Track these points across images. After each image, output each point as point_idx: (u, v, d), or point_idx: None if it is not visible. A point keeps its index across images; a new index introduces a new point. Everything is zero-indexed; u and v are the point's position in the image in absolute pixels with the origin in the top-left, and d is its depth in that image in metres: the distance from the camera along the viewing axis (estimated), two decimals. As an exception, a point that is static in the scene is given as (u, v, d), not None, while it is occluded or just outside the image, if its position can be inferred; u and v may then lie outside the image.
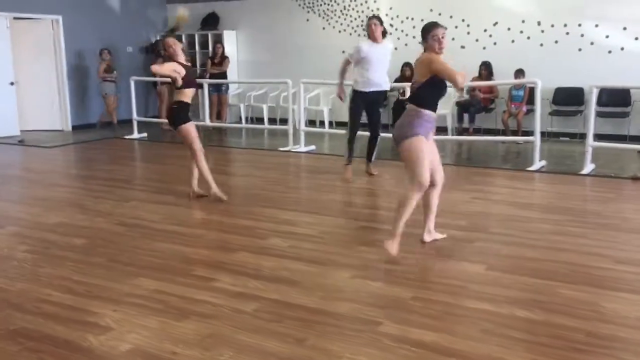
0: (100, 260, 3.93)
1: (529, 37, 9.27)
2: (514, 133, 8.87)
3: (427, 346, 2.72)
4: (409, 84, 8.26)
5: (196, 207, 5.31)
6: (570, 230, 4.42)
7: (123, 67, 11.15)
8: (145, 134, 9.82)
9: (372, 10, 10.44)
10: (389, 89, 6.54)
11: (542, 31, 9.18)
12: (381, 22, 6.11)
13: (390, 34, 10.37)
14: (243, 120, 11.35)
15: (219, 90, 10.87)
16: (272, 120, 11.06)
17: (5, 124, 9.85)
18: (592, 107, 6.84)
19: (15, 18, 10.12)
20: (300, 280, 3.54)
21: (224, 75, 10.91)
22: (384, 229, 4.52)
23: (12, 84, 10.02)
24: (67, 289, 3.44)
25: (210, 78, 10.61)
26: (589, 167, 6.71)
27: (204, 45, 11.83)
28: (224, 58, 11.03)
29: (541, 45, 9.17)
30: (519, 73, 8.79)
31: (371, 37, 6.04)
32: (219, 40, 11.58)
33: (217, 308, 3.16)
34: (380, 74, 6.15)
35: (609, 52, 8.76)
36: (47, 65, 10.63)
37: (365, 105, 6.30)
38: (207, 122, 9.74)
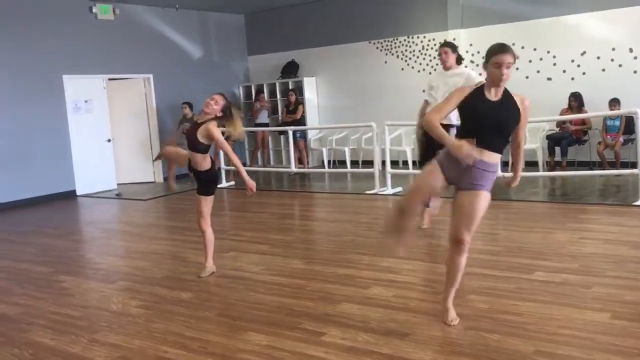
0: (209, 315, 3.98)
1: (620, 65, 8.90)
2: (611, 165, 8.45)
3: (563, 407, 2.54)
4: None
5: (293, 256, 5.32)
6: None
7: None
8: (232, 182, 10.06)
9: (452, 48, 10.36)
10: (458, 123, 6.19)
11: (635, 57, 8.80)
12: (454, 49, 5.76)
13: (472, 70, 10.29)
14: (325, 165, 11.45)
15: (294, 137, 10.93)
16: (354, 163, 11.09)
17: (103, 178, 10.40)
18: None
19: (110, 79, 10.76)
20: (411, 333, 3.43)
21: (299, 122, 11.08)
22: (492, 275, 4.37)
23: (109, 140, 10.58)
24: (181, 345, 3.49)
25: (285, 125, 10.81)
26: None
27: (284, 93, 12.12)
28: (297, 105, 11.24)
29: (635, 72, 8.78)
30: (615, 102, 8.42)
31: (444, 66, 5.77)
32: (298, 87, 11.84)
33: (332, 364, 3.11)
34: None
35: None
36: (140, 120, 11.19)
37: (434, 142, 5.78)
38: (292, 167, 9.90)
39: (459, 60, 5.76)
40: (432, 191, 3.62)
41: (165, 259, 5.54)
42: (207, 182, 4.71)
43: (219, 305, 4.15)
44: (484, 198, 3.30)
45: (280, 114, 12.13)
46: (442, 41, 5.95)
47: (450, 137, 3.30)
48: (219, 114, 4.60)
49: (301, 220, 7.69)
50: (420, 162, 5.62)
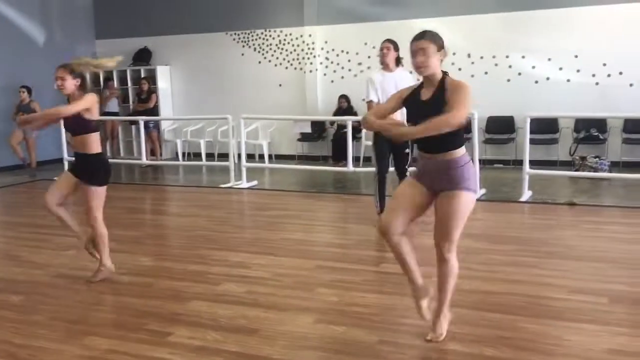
0: (41, 318, 3.65)
1: (460, 69, 9.57)
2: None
3: (402, 394, 2.65)
4: (349, 117, 8.38)
5: (142, 253, 5.06)
6: (521, 261, 4.50)
7: (49, 104, 10.67)
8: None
9: (308, 44, 10.54)
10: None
11: (472, 63, 9.52)
12: (396, 47, 5.34)
13: (326, 66, 10.54)
14: (180, 157, 11.10)
15: (146, 128, 10.44)
16: (209, 156, 10.88)
17: None
18: (527, 135, 7.09)
19: None
20: (260, 329, 3.41)
21: (151, 112, 10.64)
22: (342, 268, 4.47)
23: None
24: (8, 354, 3.16)
25: (136, 115, 10.35)
26: (526, 194, 6.93)
27: (136, 81, 11.55)
28: (150, 94, 10.79)
29: (472, 76, 9.46)
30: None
31: (382, 63, 5.41)
32: (151, 76, 11.36)
33: (177, 366, 2.99)
34: None
35: (536, 82, 9.19)
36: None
37: (389, 143, 5.16)
38: (144, 159, 9.47)
39: (398, 60, 5.38)
40: (412, 203, 3.06)
41: (-6, 259, 5.03)
42: (97, 168, 4.18)
43: (55, 308, 3.82)
44: (458, 198, 2.93)
45: (131, 103, 11.56)
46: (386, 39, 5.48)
47: (391, 125, 3.06)
48: (77, 84, 4.09)
49: (152, 214, 7.38)
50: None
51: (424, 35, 2.98)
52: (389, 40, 5.46)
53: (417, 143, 3.08)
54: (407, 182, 3.21)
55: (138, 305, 3.86)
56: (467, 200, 2.97)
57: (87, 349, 3.21)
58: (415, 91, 3.06)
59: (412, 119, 3.02)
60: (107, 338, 3.34)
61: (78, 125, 4.12)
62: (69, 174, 4.36)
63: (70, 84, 4.07)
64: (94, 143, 4.17)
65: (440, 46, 2.97)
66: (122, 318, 3.65)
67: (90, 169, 4.19)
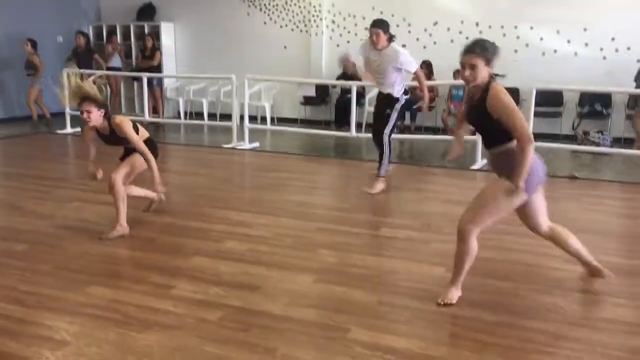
0: (47, 268, 3.71)
1: (467, 38, 9.45)
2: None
3: (400, 352, 2.72)
4: (353, 82, 8.33)
5: (143, 208, 5.10)
6: (519, 230, 4.50)
7: (53, 57, 10.61)
8: (78, 129, 9.37)
9: (314, 7, 10.41)
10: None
11: (480, 32, 9.40)
12: (385, 30, 5.43)
13: (332, 30, 10.43)
14: (182, 116, 11.06)
15: (150, 85, 10.42)
16: (211, 116, 10.84)
17: None
18: (532, 107, 7.08)
19: None
20: (262, 286, 3.47)
21: (155, 69, 10.57)
22: (342, 231, 4.52)
23: None
24: (15, 299, 3.22)
25: (140, 72, 10.28)
26: (528, 166, 6.94)
27: (139, 37, 11.42)
28: (154, 51, 10.70)
29: (480, 46, 9.41)
30: (459, 73, 8.97)
31: (373, 45, 5.52)
32: (155, 32, 11.23)
33: (179, 318, 3.05)
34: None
35: (543, 54, 9.12)
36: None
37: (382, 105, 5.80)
38: (146, 117, 9.44)
39: (391, 39, 5.48)
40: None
41: (-3, 208, 5.06)
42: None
43: (59, 258, 3.87)
44: (497, 184, 3.08)
45: (134, 59, 11.45)
46: (373, 21, 5.56)
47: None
48: (102, 115, 4.17)
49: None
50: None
51: (474, 50, 3.02)
52: (377, 25, 5.46)
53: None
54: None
55: (141, 258, 3.92)
56: (509, 191, 3.00)
57: (92, 297, 3.27)
58: (469, 92, 3.16)
59: (468, 118, 3.26)
60: (111, 288, 3.39)
61: (122, 142, 4.35)
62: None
63: (97, 115, 4.15)
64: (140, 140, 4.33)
65: (490, 59, 3.02)
66: (125, 270, 3.71)
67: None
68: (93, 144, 4.47)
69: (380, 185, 5.70)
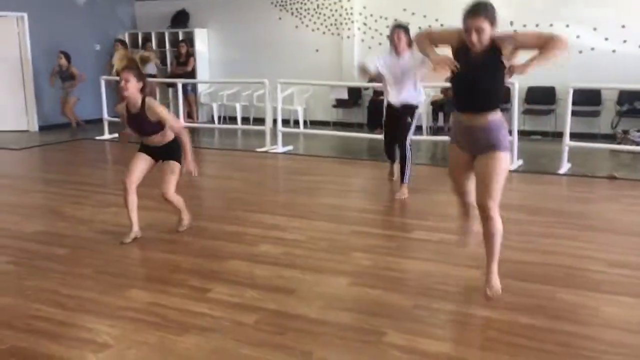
0: (88, 272, 3.80)
1: (501, 37, 9.38)
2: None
3: (436, 357, 2.70)
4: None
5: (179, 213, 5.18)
6: (559, 233, 4.47)
7: (91, 65, 10.86)
8: (116, 135, 9.57)
9: (346, 9, 10.42)
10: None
11: (515, 31, 9.28)
12: (406, 32, 5.43)
13: (364, 32, 10.42)
14: (216, 120, 11.20)
15: (184, 91, 10.52)
16: (244, 120, 10.94)
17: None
18: (569, 107, 6.95)
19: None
20: (297, 289, 3.48)
21: (189, 75, 10.71)
22: (376, 233, 4.52)
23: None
24: (56, 303, 3.31)
25: (174, 78, 10.42)
26: (565, 167, 6.82)
27: (173, 44, 11.61)
28: (188, 57, 10.84)
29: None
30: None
31: (395, 48, 5.48)
32: (189, 38, 11.40)
33: (216, 320, 3.09)
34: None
35: (580, 52, 8.93)
36: (12, 65, 10.28)
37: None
38: (181, 122, 9.56)
39: (411, 44, 5.40)
40: (461, 169, 3.34)
41: (40, 213, 5.21)
42: (177, 147, 4.41)
43: (99, 262, 3.96)
44: (498, 158, 3.09)
45: (169, 65, 11.64)
46: (394, 24, 5.63)
47: (434, 52, 3.21)
48: (139, 88, 4.22)
49: (189, 176, 7.47)
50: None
51: (479, 13, 2.95)
52: (399, 27, 5.50)
53: (457, 104, 3.22)
54: (451, 148, 3.37)
55: (178, 262, 3.98)
56: (507, 160, 3.18)
57: (132, 301, 3.33)
58: (466, 47, 3.04)
59: (459, 77, 3.11)
60: (150, 291, 3.46)
61: (153, 127, 4.30)
62: (146, 157, 4.48)
63: (134, 86, 4.20)
64: (167, 133, 4.36)
65: (494, 21, 2.99)
66: (162, 273, 3.77)
67: (170, 152, 4.43)
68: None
69: (406, 190, 5.68)
